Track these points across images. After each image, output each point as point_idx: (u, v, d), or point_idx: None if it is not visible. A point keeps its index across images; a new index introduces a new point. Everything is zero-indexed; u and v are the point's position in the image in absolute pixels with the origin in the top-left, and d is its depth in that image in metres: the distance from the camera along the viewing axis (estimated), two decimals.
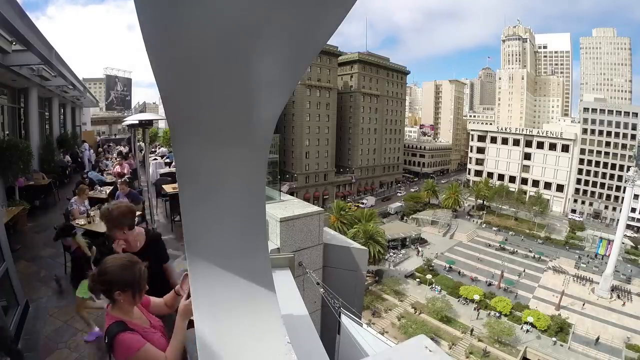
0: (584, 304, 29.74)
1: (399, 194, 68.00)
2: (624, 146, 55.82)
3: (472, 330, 27.16)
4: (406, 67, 76.92)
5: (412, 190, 69.66)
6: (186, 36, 0.86)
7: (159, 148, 19.62)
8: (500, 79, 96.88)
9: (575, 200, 60.71)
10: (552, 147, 62.38)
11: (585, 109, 59.88)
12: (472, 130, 77.23)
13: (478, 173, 70.83)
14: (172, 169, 12.01)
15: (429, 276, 34.17)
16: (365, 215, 39.32)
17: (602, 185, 58.03)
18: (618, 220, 37.77)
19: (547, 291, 33.14)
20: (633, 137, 54.58)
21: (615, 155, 56.81)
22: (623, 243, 37.12)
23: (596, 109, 58.53)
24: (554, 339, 25.97)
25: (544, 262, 39.88)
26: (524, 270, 37.47)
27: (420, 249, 42.05)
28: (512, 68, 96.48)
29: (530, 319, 27.17)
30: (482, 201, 58.68)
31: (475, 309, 29.59)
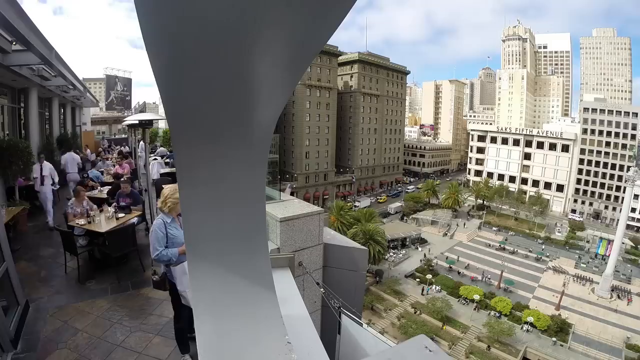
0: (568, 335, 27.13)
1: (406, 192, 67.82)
2: (624, 146, 55.83)
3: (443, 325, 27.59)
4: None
5: (409, 190, 69.49)
6: (186, 36, 0.86)
7: (159, 148, 19.65)
8: (500, 78, 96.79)
9: (575, 200, 60.69)
10: (552, 147, 62.39)
11: (585, 109, 59.88)
12: (472, 130, 77.26)
13: (478, 173, 70.83)
14: (172, 169, 12.00)
15: (429, 276, 34.18)
16: (365, 214, 39.32)
17: (602, 185, 58.02)
18: (618, 220, 37.77)
19: (547, 291, 33.16)
20: (633, 137, 54.64)
21: (615, 155, 56.80)
22: (623, 243, 37.11)
23: (596, 109, 58.51)
24: (554, 339, 25.98)
25: (544, 262, 39.91)
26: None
27: (420, 248, 42.06)
28: (512, 68, 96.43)
29: (530, 319, 27.18)
30: (482, 201, 58.69)
31: (475, 308, 29.60)
